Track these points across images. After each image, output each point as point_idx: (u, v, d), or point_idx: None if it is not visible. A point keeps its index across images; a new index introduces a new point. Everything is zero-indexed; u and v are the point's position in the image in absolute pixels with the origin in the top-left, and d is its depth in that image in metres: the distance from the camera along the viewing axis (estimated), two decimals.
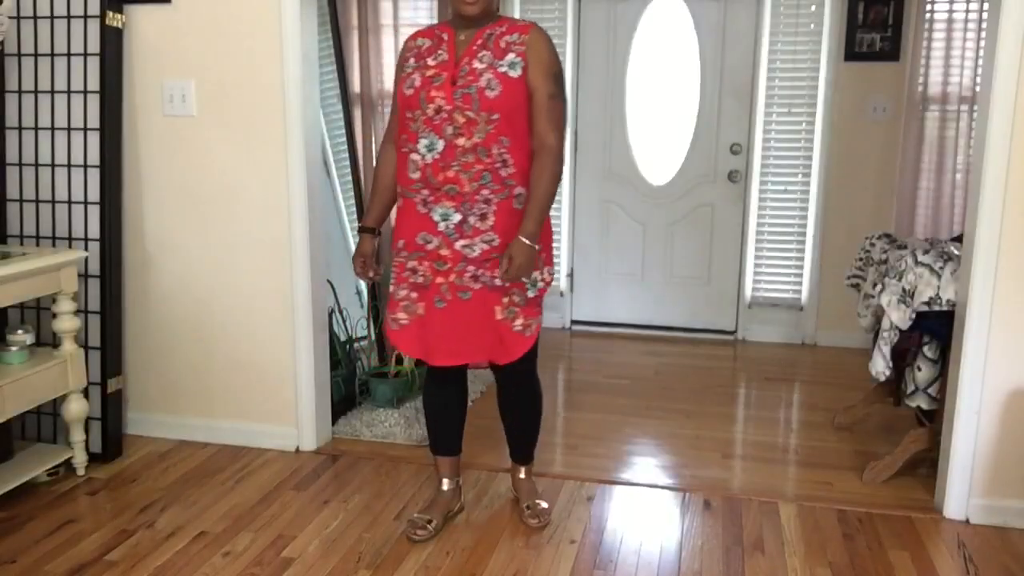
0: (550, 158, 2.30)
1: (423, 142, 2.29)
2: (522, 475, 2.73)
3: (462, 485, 2.74)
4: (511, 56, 2.27)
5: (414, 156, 2.31)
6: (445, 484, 2.65)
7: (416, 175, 2.32)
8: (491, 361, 2.46)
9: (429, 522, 2.55)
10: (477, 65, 2.26)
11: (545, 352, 3.11)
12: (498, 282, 2.33)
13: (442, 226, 2.32)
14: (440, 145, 2.27)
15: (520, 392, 2.61)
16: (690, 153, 4.75)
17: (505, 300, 2.36)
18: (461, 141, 2.26)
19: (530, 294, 2.39)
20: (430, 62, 2.31)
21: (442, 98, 2.25)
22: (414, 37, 2.41)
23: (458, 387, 2.61)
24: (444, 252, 2.33)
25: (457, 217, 2.30)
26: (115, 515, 2.70)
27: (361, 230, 2.53)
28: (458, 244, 2.32)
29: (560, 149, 2.31)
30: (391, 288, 2.44)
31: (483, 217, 2.31)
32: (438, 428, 2.63)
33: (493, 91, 2.24)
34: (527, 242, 2.27)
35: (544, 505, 2.69)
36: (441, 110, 2.26)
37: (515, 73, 2.26)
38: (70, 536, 2.56)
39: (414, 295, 2.39)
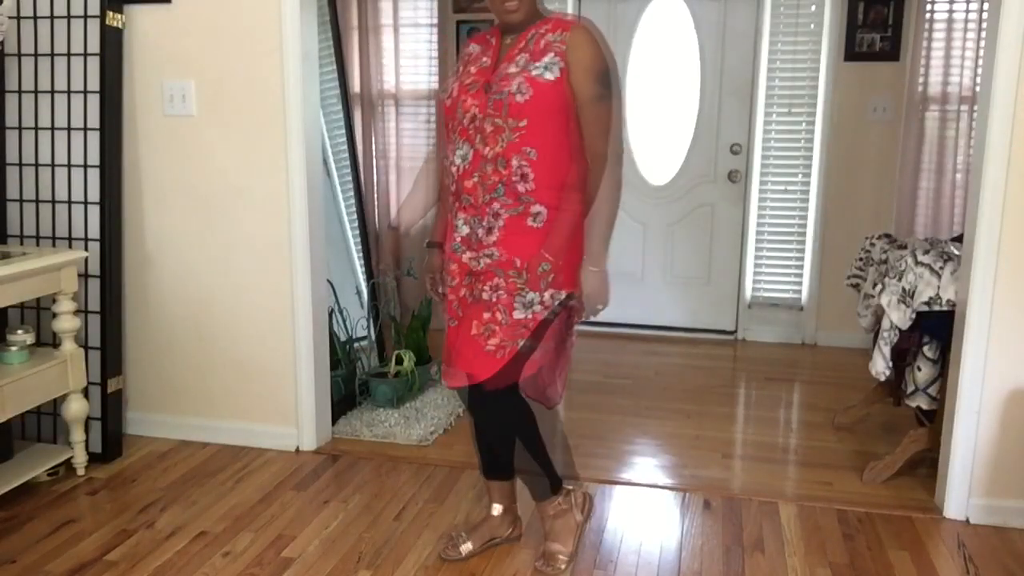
0: (600, 167, 2.11)
1: (459, 152, 2.16)
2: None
3: (516, 511, 2.54)
4: (548, 57, 2.06)
5: (451, 166, 2.19)
6: (495, 510, 2.48)
7: (453, 185, 2.20)
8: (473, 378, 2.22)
9: (464, 542, 2.44)
10: (511, 69, 2.08)
11: None
12: (485, 297, 2.15)
13: (458, 237, 2.21)
14: (471, 155, 2.13)
15: (487, 415, 2.35)
16: (690, 153, 4.75)
17: (486, 316, 2.14)
18: (486, 151, 2.10)
19: (517, 315, 2.13)
20: (472, 69, 2.18)
21: (476, 105, 2.11)
22: (468, 43, 2.27)
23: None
24: (452, 266, 2.24)
25: (465, 229, 2.18)
26: (115, 515, 2.70)
27: (428, 245, 2.38)
28: (465, 257, 2.20)
29: (609, 155, 2.10)
30: None
31: (489, 231, 2.14)
32: (481, 449, 2.46)
33: (523, 95, 2.05)
34: (594, 269, 2.12)
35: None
36: (475, 118, 2.11)
37: (551, 75, 2.05)
38: (70, 536, 2.56)
39: (446, 315, 2.29)
